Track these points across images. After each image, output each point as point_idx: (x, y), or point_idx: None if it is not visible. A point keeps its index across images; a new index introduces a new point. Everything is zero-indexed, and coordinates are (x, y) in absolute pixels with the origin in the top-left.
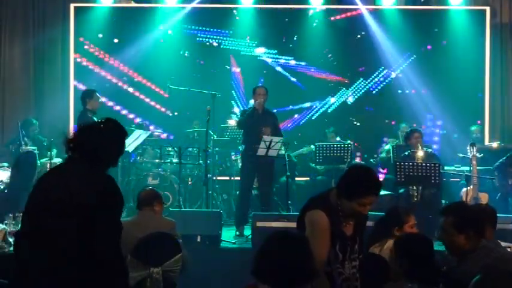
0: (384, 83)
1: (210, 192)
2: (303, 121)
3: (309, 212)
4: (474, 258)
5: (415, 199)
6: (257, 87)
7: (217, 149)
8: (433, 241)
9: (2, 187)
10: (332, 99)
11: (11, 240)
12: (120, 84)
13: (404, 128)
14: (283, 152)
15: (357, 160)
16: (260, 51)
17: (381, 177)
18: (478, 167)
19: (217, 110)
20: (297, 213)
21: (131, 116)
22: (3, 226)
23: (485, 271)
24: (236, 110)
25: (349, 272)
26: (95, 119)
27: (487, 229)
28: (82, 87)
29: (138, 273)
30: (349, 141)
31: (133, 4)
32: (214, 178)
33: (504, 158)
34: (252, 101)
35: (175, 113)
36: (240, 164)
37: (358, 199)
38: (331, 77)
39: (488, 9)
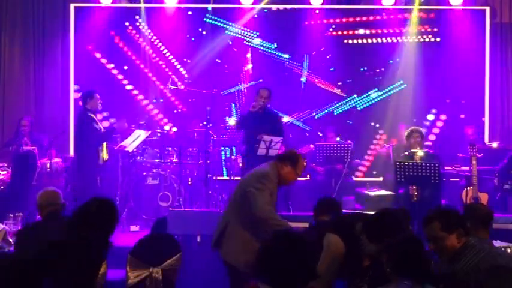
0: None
1: (210, 192)
2: None
3: (328, 234)
4: (468, 255)
5: (415, 199)
6: (260, 88)
7: (217, 149)
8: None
9: (2, 187)
10: None
11: (11, 240)
12: (120, 84)
13: (405, 127)
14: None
15: (357, 161)
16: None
17: None
18: (478, 167)
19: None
20: (297, 214)
21: (130, 116)
22: (3, 226)
23: (493, 268)
24: None
25: None
26: (96, 118)
27: (479, 228)
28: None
29: (138, 272)
30: (349, 141)
31: (133, 4)
32: (214, 178)
33: (506, 160)
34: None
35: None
36: (241, 164)
37: (378, 244)
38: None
39: (488, 9)
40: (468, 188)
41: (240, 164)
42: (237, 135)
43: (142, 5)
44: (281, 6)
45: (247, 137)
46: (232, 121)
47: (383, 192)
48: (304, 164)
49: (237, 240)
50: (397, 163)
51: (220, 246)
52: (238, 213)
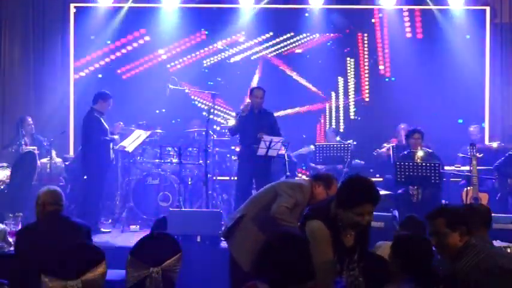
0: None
1: (210, 192)
2: None
3: (308, 222)
4: (469, 255)
5: (415, 199)
6: (254, 88)
7: (217, 149)
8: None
9: (2, 187)
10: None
11: (11, 240)
12: (119, 84)
13: (404, 127)
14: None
15: (357, 161)
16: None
17: None
18: (478, 167)
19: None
20: None
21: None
22: (3, 226)
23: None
24: None
25: (347, 281)
26: (102, 120)
27: (480, 227)
28: (82, 86)
29: (138, 272)
30: (349, 141)
31: (133, 4)
32: (214, 178)
33: (504, 158)
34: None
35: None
36: (237, 165)
37: (355, 208)
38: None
39: (488, 9)
40: (468, 188)
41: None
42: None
43: (142, 5)
44: (281, 7)
45: (243, 138)
46: (232, 121)
47: (383, 192)
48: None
49: (250, 239)
50: (397, 163)
51: (230, 237)
52: (259, 212)
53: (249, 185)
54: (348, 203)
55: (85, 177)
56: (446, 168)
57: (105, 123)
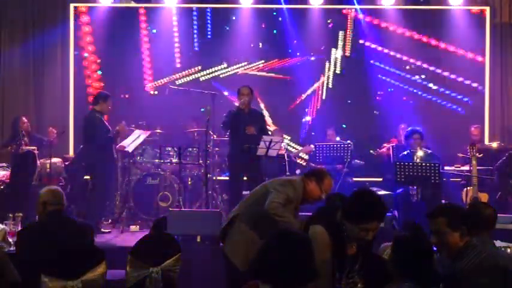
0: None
1: (210, 192)
2: None
3: (311, 226)
4: (469, 255)
5: (415, 199)
6: (241, 87)
7: (217, 149)
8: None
9: (2, 187)
10: None
11: (11, 240)
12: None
13: (404, 127)
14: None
15: (357, 161)
16: None
17: None
18: (478, 167)
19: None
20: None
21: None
22: (3, 226)
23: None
24: None
25: None
26: (103, 119)
27: (481, 229)
28: (82, 86)
29: (138, 272)
30: (349, 141)
31: (133, 4)
32: (214, 178)
33: (504, 158)
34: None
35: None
36: (228, 165)
37: (360, 224)
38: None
39: (488, 9)
40: (468, 188)
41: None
42: None
43: (142, 5)
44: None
45: (233, 137)
46: None
47: (383, 192)
48: (331, 183)
49: (244, 239)
50: (397, 163)
51: (225, 237)
52: (252, 210)
53: (241, 185)
54: (354, 217)
55: (88, 177)
56: (446, 168)
57: (107, 124)
